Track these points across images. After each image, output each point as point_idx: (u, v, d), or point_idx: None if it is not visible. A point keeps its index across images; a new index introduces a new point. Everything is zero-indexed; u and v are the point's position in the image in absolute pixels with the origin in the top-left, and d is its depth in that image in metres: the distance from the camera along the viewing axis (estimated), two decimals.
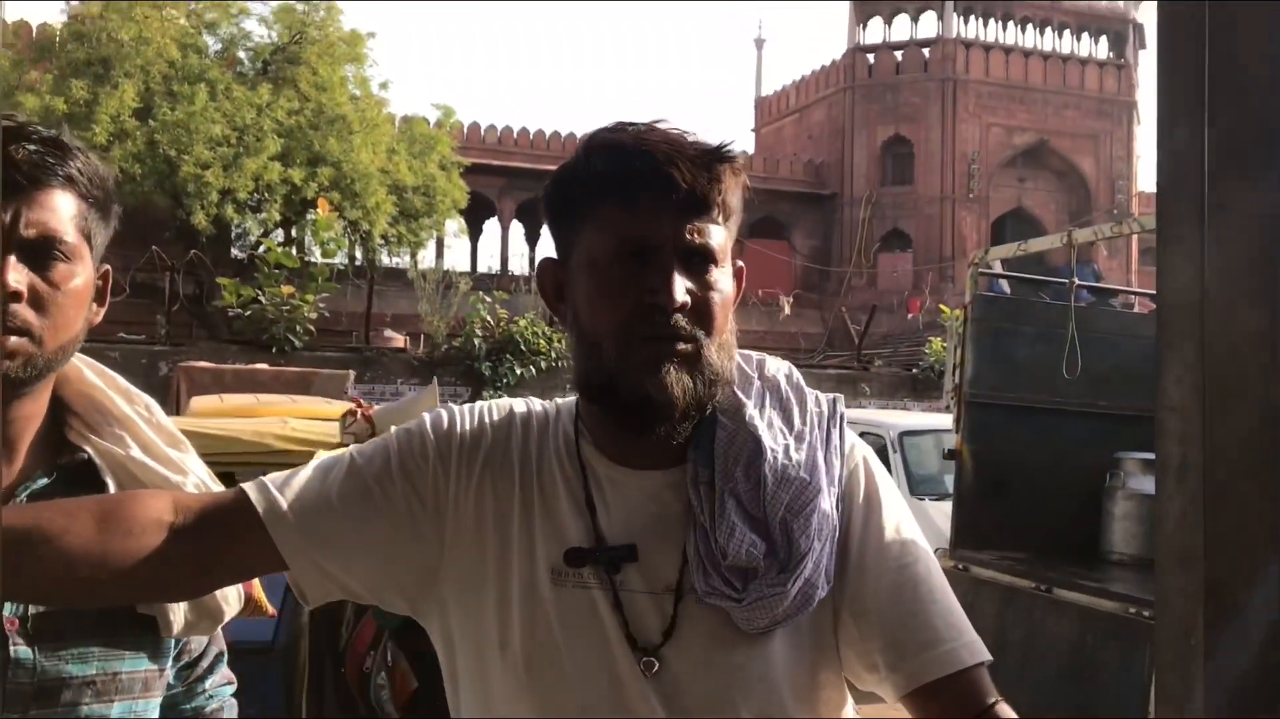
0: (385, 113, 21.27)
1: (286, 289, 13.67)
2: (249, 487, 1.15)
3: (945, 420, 7.63)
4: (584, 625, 1.12)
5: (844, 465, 1.19)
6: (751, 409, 1.17)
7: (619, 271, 1.12)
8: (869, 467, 1.22)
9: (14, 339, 1.12)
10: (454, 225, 25.41)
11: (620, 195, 1.11)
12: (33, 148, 1.14)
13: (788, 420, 1.19)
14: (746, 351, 1.25)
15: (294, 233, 21.19)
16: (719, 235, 1.14)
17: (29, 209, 1.13)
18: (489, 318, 15.00)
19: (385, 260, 22.79)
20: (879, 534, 1.17)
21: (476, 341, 14.83)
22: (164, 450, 1.27)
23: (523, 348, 14.79)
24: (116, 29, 18.21)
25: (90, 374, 1.28)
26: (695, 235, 1.12)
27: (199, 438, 3.73)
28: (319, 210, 17.39)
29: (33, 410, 1.20)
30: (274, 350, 13.20)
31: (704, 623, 1.12)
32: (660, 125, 1.14)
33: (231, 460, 3.66)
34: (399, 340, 15.91)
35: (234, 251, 21.47)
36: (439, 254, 27.48)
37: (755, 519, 1.12)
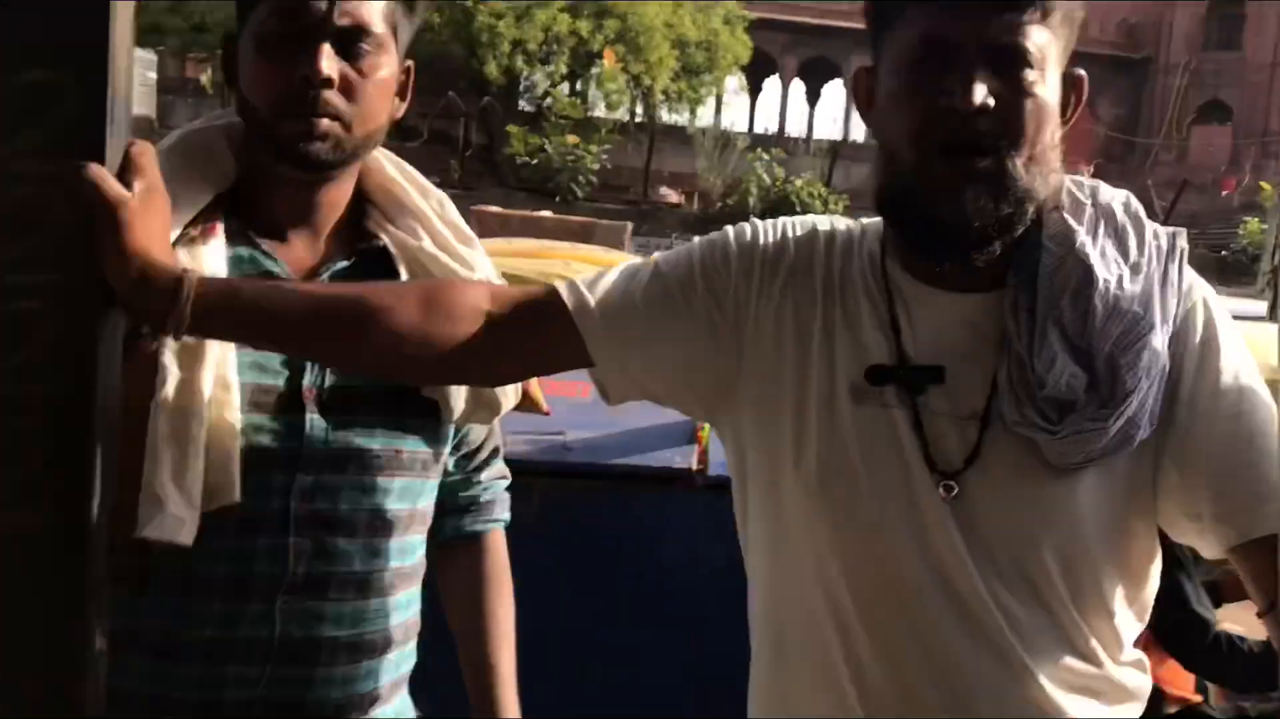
0: None
1: (571, 139, 14.02)
2: (560, 285, 1.17)
3: (1259, 308, 7.04)
4: (882, 445, 1.09)
5: (1181, 304, 1.09)
6: (1083, 235, 1.08)
7: (917, 73, 1.05)
8: (1209, 308, 1.11)
9: (325, 121, 1.17)
10: (734, 82, 25.11)
11: None
12: None
13: (1123, 250, 1.09)
14: (1078, 177, 1.16)
15: (579, 86, 21.56)
16: (1038, 35, 1.04)
17: None
18: (765, 177, 14.88)
19: (664, 117, 22.88)
20: (1214, 379, 1.07)
21: (751, 200, 14.80)
22: (454, 245, 1.31)
23: (798, 209, 14.62)
24: None
25: (390, 167, 1.33)
26: (1004, 33, 1.03)
27: None
28: (605, 62, 17.60)
29: (337, 197, 1.27)
30: (557, 199, 13.65)
31: (1010, 453, 1.07)
32: None
33: None
34: (674, 197, 16.07)
35: (521, 104, 22.12)
36: (717, 111, 27.31)
37: (1079, 350, 1.05)
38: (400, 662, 1.32)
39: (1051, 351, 1.05)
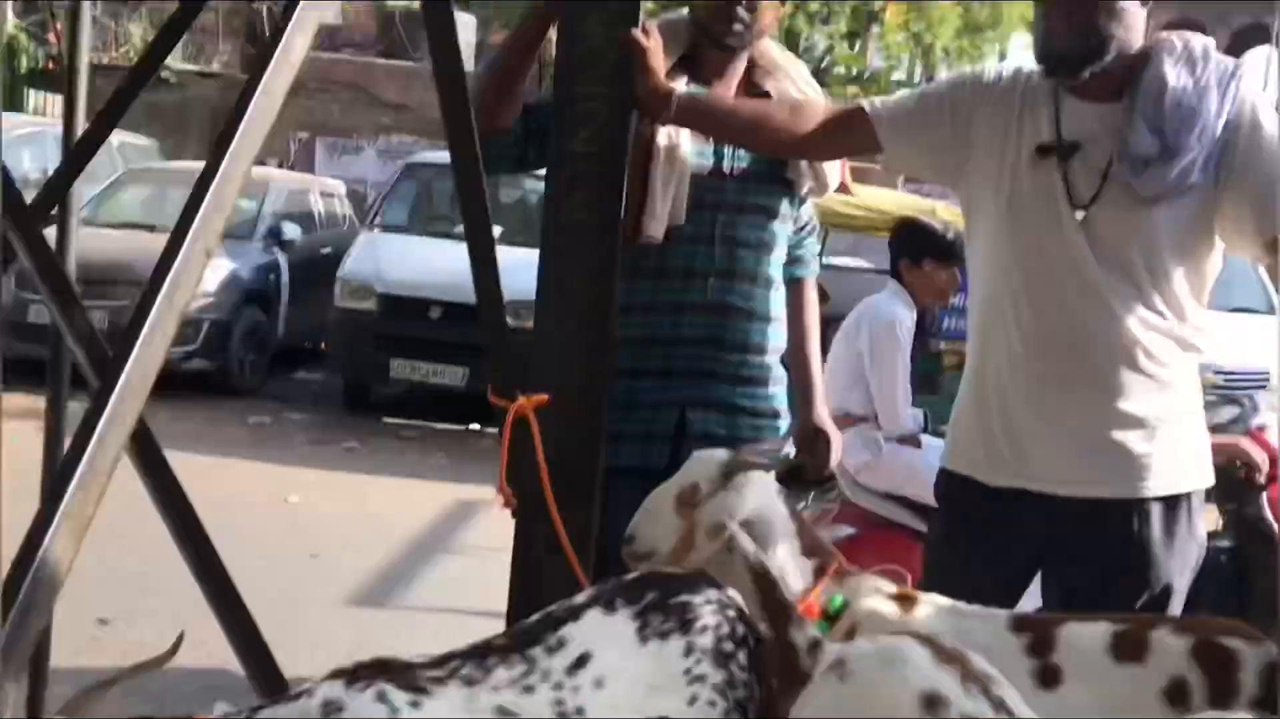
0: None
1: (851, 90, 14.63)
2: (860, 100, 2.11)
3: None
4: (1044, 188, 1.94)
5: (1234, 104, 1.89)
6: (1168, 65, 1.89)
7: None
8: (1255, 107, 1.92)
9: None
10: (1020, 41, 24.66)
11: None
12: None
13: (1191, 71, 1.89)
14: (1185, 32, 1.95)
15: (858, 45, 21.88)
16: None
17: None
18: None
19: (944, 74, 22.82)
20: (1256, 141, 1.88)
21: None
22: (806, 89, 2.32)
23: None
24: None
25: (774, 47, 2.32)
26: None
27: None
28: (886, 17, 17.94)
29: (741, 64, 2.29)
30: None
31: (1118, 194, 1.90)
32: None
33: None
34: None
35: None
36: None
37: (1156, 129, 1.86)
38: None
39: (1139, 132, 1.87)
